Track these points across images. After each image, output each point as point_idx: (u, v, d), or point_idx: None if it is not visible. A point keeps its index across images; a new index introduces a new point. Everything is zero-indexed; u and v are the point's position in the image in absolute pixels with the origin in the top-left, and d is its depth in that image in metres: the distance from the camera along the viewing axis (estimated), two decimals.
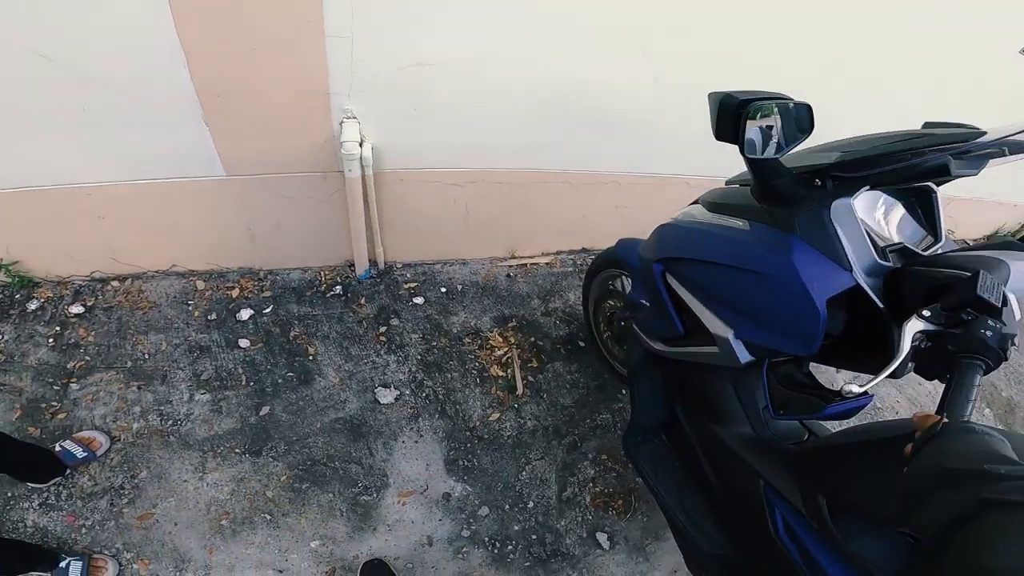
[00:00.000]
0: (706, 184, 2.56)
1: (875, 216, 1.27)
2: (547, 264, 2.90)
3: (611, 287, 2.27)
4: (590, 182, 2.59)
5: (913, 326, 1.04)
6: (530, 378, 2.48)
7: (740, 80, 2.14)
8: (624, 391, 2.50)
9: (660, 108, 2.24)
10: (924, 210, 1.32)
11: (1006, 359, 0.94)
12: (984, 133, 1.09)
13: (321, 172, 2.18)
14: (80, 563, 1.72)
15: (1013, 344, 0.95)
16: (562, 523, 2.16)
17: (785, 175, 1.21)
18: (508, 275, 2.83)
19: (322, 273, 2.60)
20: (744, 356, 1.38)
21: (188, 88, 1.76)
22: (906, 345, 1.03)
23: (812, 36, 2.09)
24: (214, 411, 2.09)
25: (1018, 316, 1.05)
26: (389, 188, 2.33)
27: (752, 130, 1.09)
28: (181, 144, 1.94)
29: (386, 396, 2.27)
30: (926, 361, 1.07)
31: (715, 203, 1.51)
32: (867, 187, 1.21)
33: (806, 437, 1.56)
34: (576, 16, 1.85)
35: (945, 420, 0.83)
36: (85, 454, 1.90)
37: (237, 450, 2.02)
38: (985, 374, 0.94)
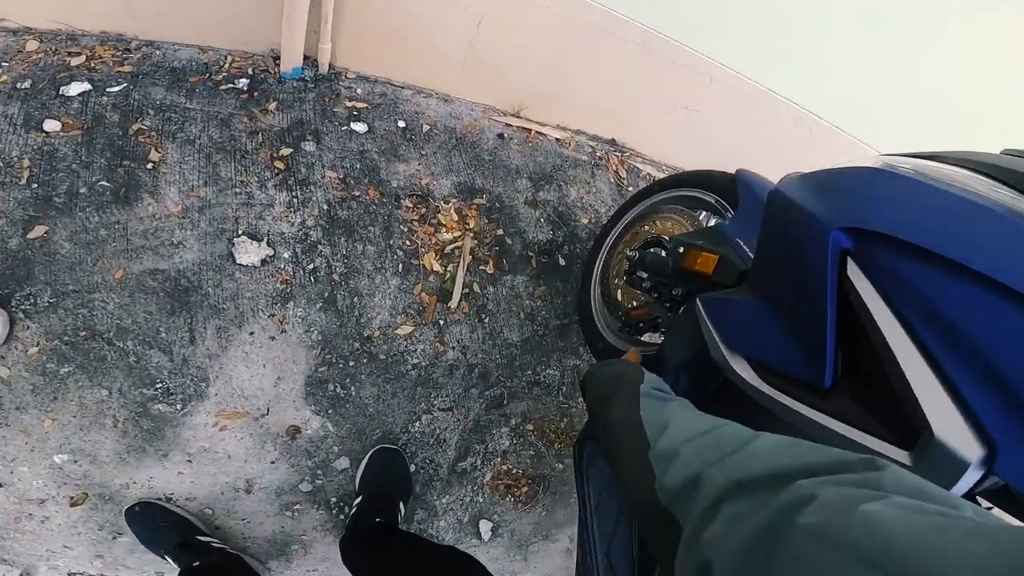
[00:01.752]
0: (837, 140, 1.91)
1: None
2: (558, 140, 2.01)
3: (671, 207, 1.50)
4: (674, 58, 1.77)
5: None
6: (476, 287, 1.73)
7: None
8: (583, 344, 1.79)
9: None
10: None
11: None
12: None
13: None
14: None
15: None
16: (444, 500, 1.59)
17: None
18: (501, 135, 1.94)
19: (228, 59, 1.68)
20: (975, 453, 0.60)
21: None
22: None
23: None
24: None
25: None
26: None
27: None
28: None
29: (250, 252, 1.49)
30: None
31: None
32: None
33: None
34: None
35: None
36: None
37: None
38: None
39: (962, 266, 0.61)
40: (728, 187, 1.34)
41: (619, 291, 1.60)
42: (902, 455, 0.65)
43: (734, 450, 0.57)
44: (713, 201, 1.41)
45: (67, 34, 1.56)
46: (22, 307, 1.27)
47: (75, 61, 1.52)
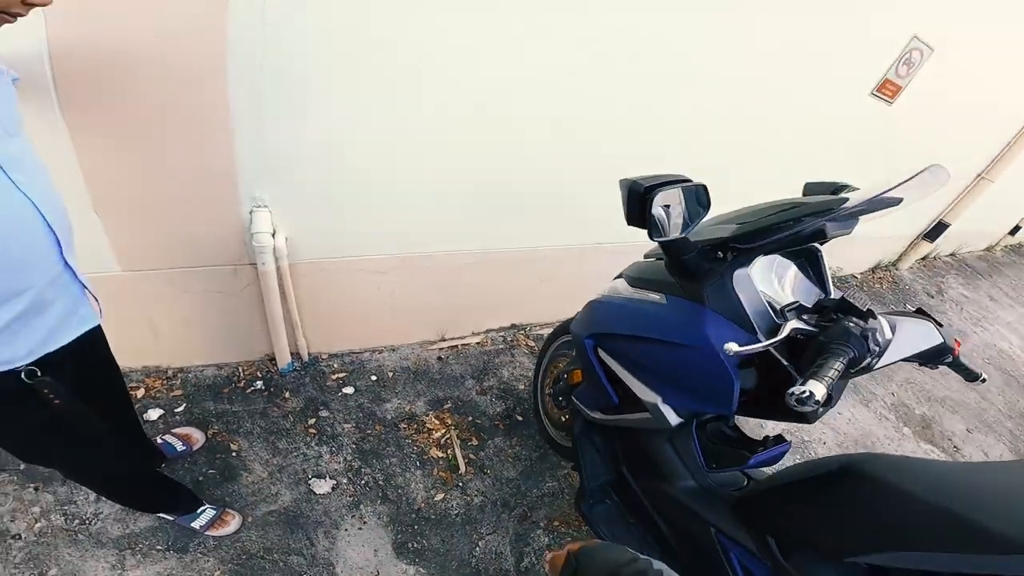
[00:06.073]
0: (623, 251, 2.90)
1: (771, 280, 1.50)
2: (478, 344, 3.09)
3: (563, 352, 2.49)
4: (514, 258, 2.87)
5: (793, 325, 1.26)
6: (471, 456, 2.59)
7: (641, 152, 2.61)
8: (563, 462, 2.64)
9: (573, 180, 2.59)
10: (812, 267, 1.58)
11: (869, 352, 1.19)
12: (847, 200, 1.34)
13: (231, 265, 2.23)
14: (214, 512, 2.06)
15: (877, 344, 1.20)
16: None
17: (692, 251, 1.44)
18: (439, 358, 2.99)
19: (240, 368, 2.65)
20: (673, 419, 1.58)
21: (73, 172, 1.73)
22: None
23: (702, 108, 2.64)
24: (126, 510, 2.02)
25: (888, 334, 1.24)
26: (308, 279, 2.44)
27: (658, 211, 1.27)
28: None
29: (322, 486, 2.29)
30: (802, 355, 1.27)
31: (635, 278, 1.78)
32: (761, 254, 1.46)
33: (745, 483, 1.76)
34: (496, 99, 2.17)
35: (572, 548, 1.00)
36: (184, 448, 2.25)
37: (159, 547, 1.95)
38: (852, 366, 1.18)
39: (622, 334, 1.71)
40: None
41: (554, 412, 2.55)
42: (646, 415, 1.61)
43: None
44: None
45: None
46: (199, 551, 1.97)
47: (138, 393, 2.42)
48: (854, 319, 1.22)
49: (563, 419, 2.49)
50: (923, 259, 6.90)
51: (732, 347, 1.22)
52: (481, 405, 2.83)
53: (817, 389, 1.01)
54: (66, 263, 1.21)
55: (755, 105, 2.81)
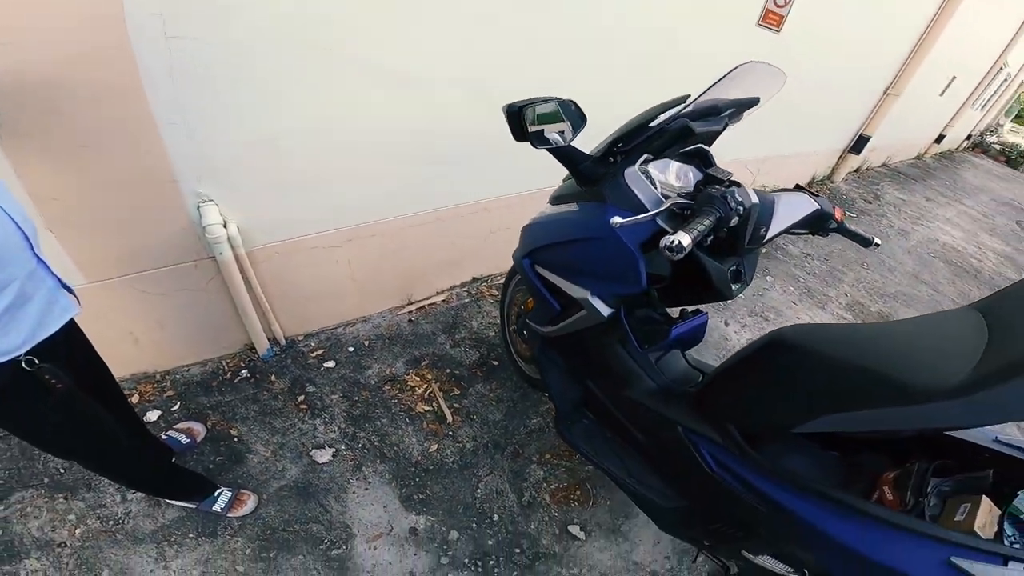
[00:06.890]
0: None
1: (668, 178, 1.72)
2: (444, 301, 3.26)
3: (520, 289, 2.67)
4: (459, 214, 3.03)
5: (672, 200, 1.49)
6: (456, 405, 2.78)
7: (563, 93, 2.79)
8: (544, 396, 2.84)
9: (498, 134, 2.70)
10: (707, 166, 1.80)
11: (734, 213, 1.42)
12: (687, 97, 1.64)
13: (191, 261, 2.31)
14: (230, 493, 2.21)
15: (740, 204, 1.43)
16: (532, 526, 2.40)
17: (586, 160, 1.67)
18: (410, 320, 3.15)
19: (223, 362, 2.77)
20: (605, 310, 1.80)
21: (20, 195, 1.78)
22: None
23: (601, 59, 2.92)
24: (152, 504, 2.16)
25: (752, 199, 1.47)
26: (267, 264, 2.55)
27: (553, 136, 1.52)
28: None
29: (323, 456, 2.45)
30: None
31: (556, 196, 2.01)
32: (647, 155, 1.66)
33: (700, 378, 1.94)
34: (409, 68, 2.32)
35: None
36: (188, 441, 2.37)
37: (191, 535, 2.10)
38: (723, 224, 1.43)
39: (549, 244, 1.94)
40: None
41: (523, 348, 2.74)
42: (583, 312, 1.84)
43: None
44: None
45: None
46: (226, 533, 2.13)
47: (133, 400, 2.53)
48: (716, 186, 1.50)
49: (525, 351, 2.71)
50: (856, 171, 7.31)
51: (616, 220, 1.40)
52: (457, 357, 3.01)
53: (684, 239, 1.24)
54: (39, 258, 1.34)
55: (652, 52, 3.06)
